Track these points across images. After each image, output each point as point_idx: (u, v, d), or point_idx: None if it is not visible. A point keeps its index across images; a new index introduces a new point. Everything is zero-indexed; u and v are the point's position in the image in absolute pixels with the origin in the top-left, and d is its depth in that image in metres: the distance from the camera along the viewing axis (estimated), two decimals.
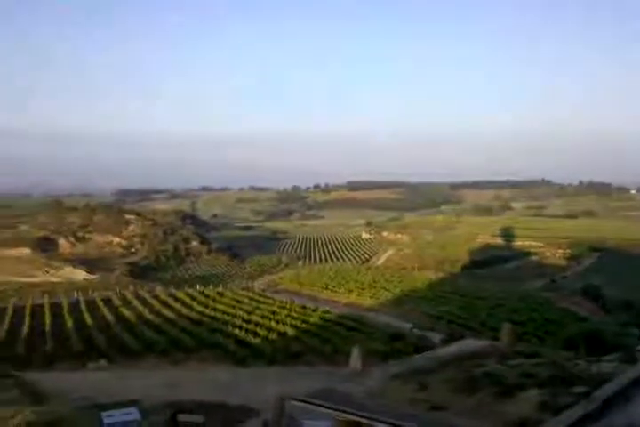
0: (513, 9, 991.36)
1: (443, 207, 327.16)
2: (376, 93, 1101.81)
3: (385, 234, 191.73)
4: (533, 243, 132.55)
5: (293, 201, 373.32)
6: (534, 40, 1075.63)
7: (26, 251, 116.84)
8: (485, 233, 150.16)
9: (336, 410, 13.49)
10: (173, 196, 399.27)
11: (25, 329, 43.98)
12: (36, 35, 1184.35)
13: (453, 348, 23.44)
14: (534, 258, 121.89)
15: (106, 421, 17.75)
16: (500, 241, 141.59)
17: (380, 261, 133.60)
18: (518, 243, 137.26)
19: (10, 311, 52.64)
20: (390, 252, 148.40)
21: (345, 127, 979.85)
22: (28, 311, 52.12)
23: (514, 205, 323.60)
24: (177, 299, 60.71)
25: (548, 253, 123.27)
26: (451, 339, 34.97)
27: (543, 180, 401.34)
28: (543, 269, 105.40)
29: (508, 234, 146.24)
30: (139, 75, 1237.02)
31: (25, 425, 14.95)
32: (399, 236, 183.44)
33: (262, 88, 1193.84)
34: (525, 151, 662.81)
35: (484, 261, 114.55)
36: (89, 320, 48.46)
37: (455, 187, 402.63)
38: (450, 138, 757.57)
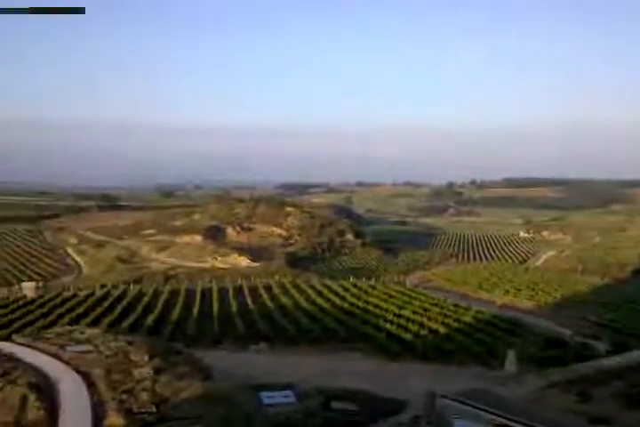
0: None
1: (612, 207, 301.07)
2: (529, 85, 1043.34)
3: (545, 234, 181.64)
4: None
5: (448, 197, 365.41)
6: None
7: (197, 238, 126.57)
8: None
9: (491, 413, 13.16)
10: (329, 190, 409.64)
11: (195, 311, 48.01)
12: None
13: (621, 359, 21.93)
14: None
15: (265, 401, 19.05)
16: None
17: (539, 262, 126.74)
18: None
19: (182, 294, 57.58)
20: (551, 253, 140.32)
21: (498, 120, 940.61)
22: (198, 295, 56.70)
23: None
24: (331, 289, 62.38)
25: None
26: (618, 349, 32.56)
27: None
28: None
29: None
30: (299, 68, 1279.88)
31: (194, 398, 16.57)
32: (561, 236, 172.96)
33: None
34: None
35: None
36: (251, 305, 51.77)
37: (627, 185, 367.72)
38: (620, 132, 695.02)
